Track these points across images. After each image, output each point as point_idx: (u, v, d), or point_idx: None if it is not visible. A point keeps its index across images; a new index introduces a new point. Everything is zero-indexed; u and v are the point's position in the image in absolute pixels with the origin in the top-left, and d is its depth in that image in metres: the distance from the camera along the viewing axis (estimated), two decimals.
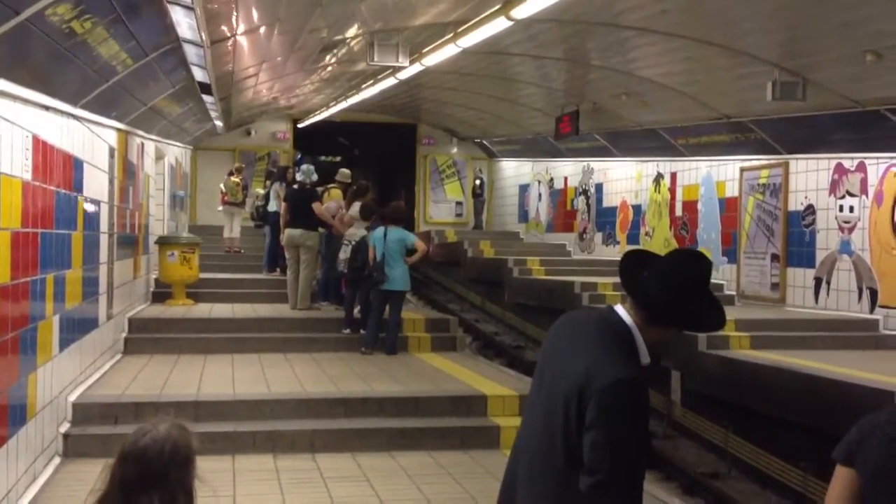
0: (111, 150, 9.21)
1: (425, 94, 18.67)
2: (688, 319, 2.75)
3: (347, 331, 11.14)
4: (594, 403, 2.54)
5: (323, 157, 33.35)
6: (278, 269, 14.81)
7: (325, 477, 6.65)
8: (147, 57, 7.51)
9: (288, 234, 12.25)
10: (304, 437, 7.46)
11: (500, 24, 9.59)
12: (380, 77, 15.28)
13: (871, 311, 12.28)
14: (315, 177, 12.67)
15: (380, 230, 10.84)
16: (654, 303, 2.70)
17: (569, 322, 2.89)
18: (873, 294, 12.34)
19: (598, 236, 19.89)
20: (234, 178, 17.47)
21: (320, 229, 12.39)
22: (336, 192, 13.43)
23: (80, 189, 7.65)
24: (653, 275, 2.74)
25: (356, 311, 11.23)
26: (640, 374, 2.62)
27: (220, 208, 17.59)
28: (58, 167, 6.78)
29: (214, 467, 6.79)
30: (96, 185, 8.39)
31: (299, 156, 26.00)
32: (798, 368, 10.09)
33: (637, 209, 18.43)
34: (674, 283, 2.70)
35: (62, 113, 6.85)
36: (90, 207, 8.08)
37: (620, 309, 2.75)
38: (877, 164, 12.31)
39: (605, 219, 19.80)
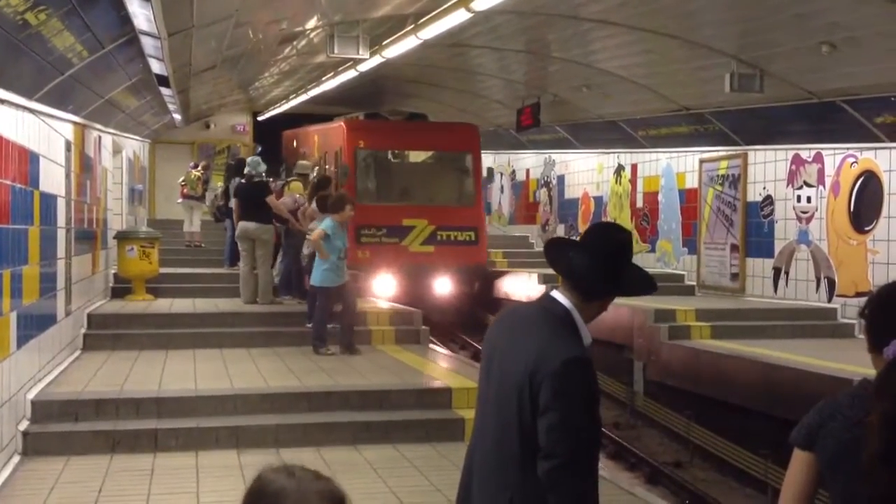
0: (67, 144, 9.07)
1: (386, 86, 18.62)
2: (619, 285, 2.80)
3: (310, 325, 11.06)
4: (546, 387, 2.57)
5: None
6: (238, 264, 14.68)
7: None
8: (103, 49, 7.40)
9: (241, 227, 12.11)
10: (267, 432, 7.42)
11: (460, 16, 9.58)
12: (340, 69, 15.21)
13: (829, 300, 12.47)
14: (262, 168, 12.52)
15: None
16: (584, 277, 2.75)
17: (509, 314, 2.93)
18: (831, 283, 12.53)
19: (561, 228, 19.98)
20: (196, 172, 17.30)
21: (276, 224, 12.26)
22: (296, 186, 13.34)
23: (36, 183, 7.53)
24: (577, 252, 2.80)
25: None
26: (586, 354, 2.64)
27: (180, 201, 17.42)
28: (13, 161, 6.66)
29: (177, 464, 6.74)
30: (53, 179, 8.26)
31: (259, 148, 25.82)
32: (757, 357, 10.23)
33: (598, 201, 18.55)
34: (598, 254, 2.76)
35: (17, 106, 6.73)
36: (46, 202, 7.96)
37: (557, 293, 2.79)
38: (833, 155, 12.49)
39: (567, 210, 19.90)
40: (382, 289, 15.15)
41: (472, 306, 17.00)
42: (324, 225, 10.10)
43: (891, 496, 2.19)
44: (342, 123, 17.57)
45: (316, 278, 10.21)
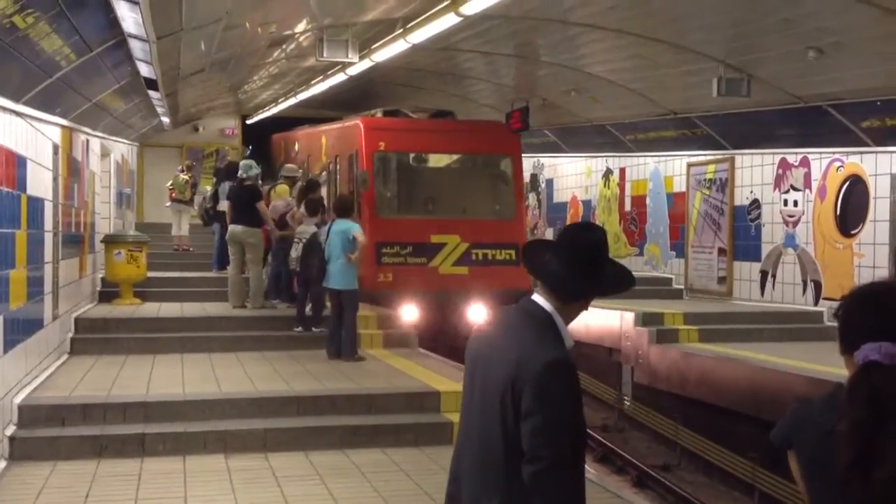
0: (55, 148, 9.04)
1: (376, 90, 18.61)
2: (597, 285, 2.80)
3: (299, 329, 11.05)
4: (528, 391, 2.57)
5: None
6: (227, 268, 14.65)
7: (278, 476, 6.60)
8: (91, 52, 7.38)
9: (230, 230, 12.10)
10: (255, 437, 7.40)
11: (449, 20, 9.60)
12: (329, 73, 15.21)
13: (816, 303, 12.53)
14: (254, 171, 12.46)
15: (327, 225, 10.39)
16: (562, 279, 2.75)
17: (492, 319, 2.93)
18: (817, 287, 12.60)
19: (549, 231, 20.02)
20: (184, 176, 17.26)
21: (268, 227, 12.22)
22: (282, 189, 13.31)
23: (23, 187, 7.50)
24: (553, 255, 2.79)
25: (308, 308, 11.15)
26: (568, 357, 2.65)
27: (168, 205, 17.37)
28: (0, 165, 6.64)
29: (165, 469, 6.72)
30: (40, 182, 8.23)
31: (247, 152, 25.77)
32: (744, 360, 10.27)
33: (587, 204, 18.59)
34: (574, 255, 2.76)
35: (4, 109, 6.71)
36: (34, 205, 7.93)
37: (538, 297, 2.79)
38: (820, 159, 12.56)
39: (555, 214, 19.94)
40: (406, 318, 12.72)
41: None
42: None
43: None
44: (359, 122, 14.78)
45: (345, 281, 10.02)
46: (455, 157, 15.30)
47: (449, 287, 13.27)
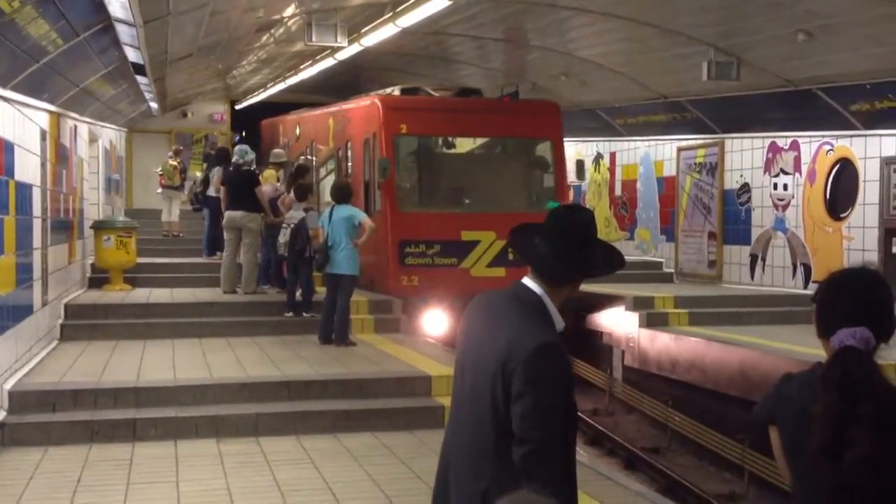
0: (43, 133, 8.99)
1: (366, 74, 18.55)
2: (586, 268, 2.79)
3: (290, 314, 11.05)
4: (519, 373, 2.57)
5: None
6: (218, 253, 14.62)
7: (270, 460, 6.61)
8: (78, 37, 7.33)
9: (228, 215, 12.06)
10: (247, 421, 7.41)
11: (439, 3, 9.59)
12: (318, 58, 15.15)
13: (805, 286, 12.58)
14: (250, 156, 12.40)
15: (327, 210, 10.33)
16: (550, 263, 2.74)
17: (481, 303, 2.91)
18: (807, 270, 12.65)
19: None
20: (172, 162, 17.19)
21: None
22: (269, 174, 13.26)
23: (10, 173, 7.46)
24: (541, 238, 2.79)
25: (298, 294, 11.15)
26: (558, 340, 2.65)
27: (159, 191, 17.32)
28: None
29: (156, 453, 6.72)
30: (28, 168, 8.19)
31: (237, 137, 25.67)
32: (733, 343, 10.32)
33: (577, 189, 18.59)
34: (561, 238, 2.75)
35: None
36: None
37: (528, 280, 2.79)
38: (809, 143, 12.59)
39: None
40: (434, 327, 11.62)
41: None
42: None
43: (836, 489, 2.22)
44: (376, 100, 12.91)
45: (349, 266, 9.96)
46: (487, 141, 13.65)
47: (484, 291, 11.76)
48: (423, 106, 13.12)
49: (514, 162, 13.56)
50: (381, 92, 14.08)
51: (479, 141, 13.59)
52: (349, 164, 14.10)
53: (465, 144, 13.59)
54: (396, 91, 13.82)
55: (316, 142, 16.40)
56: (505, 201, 12.53)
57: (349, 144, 14.09)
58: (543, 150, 13.05)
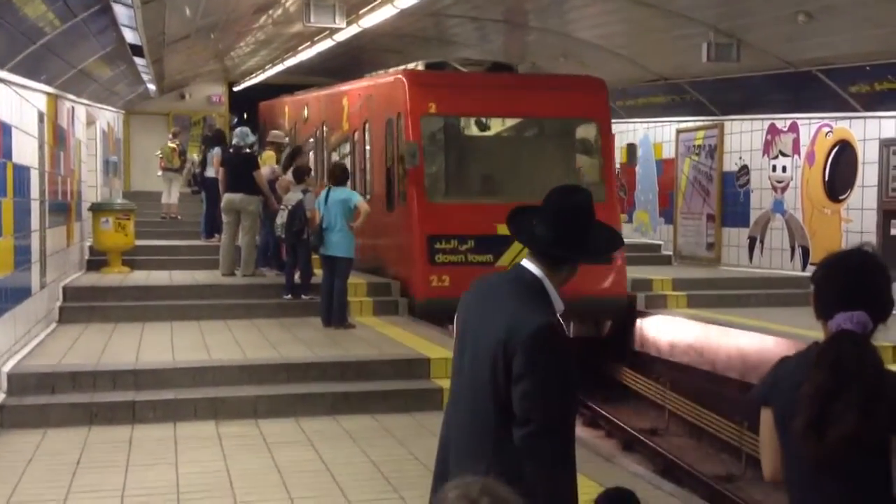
0: (40, 115, 8.96)
1: (365, 56, 18.49)
2: (584, 250, 2.78)
3: (288, 296, 11.05)
4: (519, 354, 2.57)
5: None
6: (217, 236, 14.60)
7: (269, 442, 6.63)
8: (76, 18, 7.30)
9: (227, 198, 12.03)
10: (246, 403, 7.42)
11: None
12: (317, 39, 15.09)
13: (804, 268, 12.59)
14: (250, 138, 12.37)
15: (323, 192, 10.24)
16: (548, 244, 2.74)
17: (481, 285, 2.90)
18: (805, 252, 12.65)
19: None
20: (171, 144, 17.16)
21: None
22: (268, 156, 13.22)
23: (8, 155, 7.44)
24: (539, 220, 2.78)
25: (296, 276, 11.14)
26: (557, 321, 2.65)
27: (160, 174, 17.30)
28: None
29: (155, 435, 6.74)
30: (25, 150, 8.17)
31: (235, 120, 25.61)
32: (732, 325, 10.33)
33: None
34: (558, 221, 2.74)
35: None
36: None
37: (528, 262, 2.78)
38: (808, 125, 12.56)
39: None
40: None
41: (601, 359, 11.94)
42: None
43: (821, 463, 2.27)
44: (401, 76, 11.60)
45: (345, 249, 9.93)
46: (524, 122, 12.32)
47: None
48: (453, 82, 11.94)
49: (555, 145, 12.28)
50: (403, 67, 12.60)
51: (516, 122, 12.30)
52: (367, 147, 12.99)
53: (499, 126, 12.30)
54: (420, 66, 12.52)
55: (328, 123, 15.39)
56: (545, 190, 11.63)
57: (367, 126, 12.89)
58: (588, 131, 11.89)
